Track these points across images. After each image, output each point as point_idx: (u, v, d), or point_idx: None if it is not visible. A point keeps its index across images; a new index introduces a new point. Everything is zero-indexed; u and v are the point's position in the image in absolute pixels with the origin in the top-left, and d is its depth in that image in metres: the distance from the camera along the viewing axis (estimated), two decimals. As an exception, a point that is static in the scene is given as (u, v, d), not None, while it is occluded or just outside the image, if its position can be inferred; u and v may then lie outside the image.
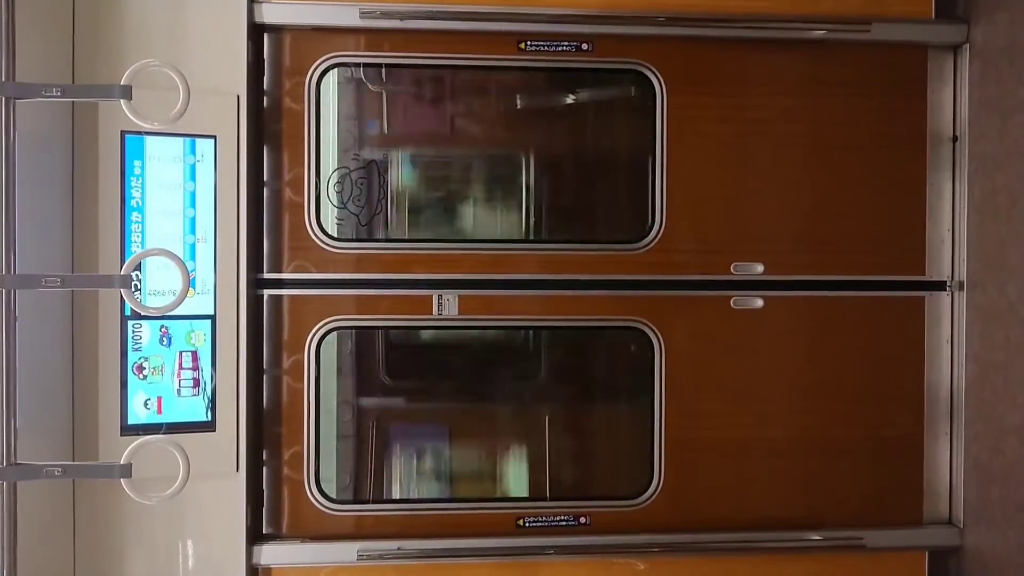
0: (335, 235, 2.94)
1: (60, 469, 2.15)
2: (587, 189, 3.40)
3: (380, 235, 3.20)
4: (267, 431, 2.90)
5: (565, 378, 3.46)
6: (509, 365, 3.45)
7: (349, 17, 2.80)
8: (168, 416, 2.68)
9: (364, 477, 3.26)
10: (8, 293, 2.14)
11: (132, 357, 2.63)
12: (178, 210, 2.71)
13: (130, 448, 2.17)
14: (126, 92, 2.14)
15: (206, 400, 2.73)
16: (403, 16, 2.81)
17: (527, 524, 2.93)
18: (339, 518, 2.91)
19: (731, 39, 2.95)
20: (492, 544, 2.86)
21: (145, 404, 2.66)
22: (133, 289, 2.25)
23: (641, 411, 3.01)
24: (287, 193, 2.90)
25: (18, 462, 2.15)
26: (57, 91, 2.13)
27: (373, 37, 2.91)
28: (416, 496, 3.38)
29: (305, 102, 2.88)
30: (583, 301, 2.97)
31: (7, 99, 2.12)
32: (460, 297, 2.92)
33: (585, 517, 2.95)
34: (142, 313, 2.51)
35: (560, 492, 3.33)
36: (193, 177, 2.72)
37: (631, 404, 3.26)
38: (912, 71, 3.03)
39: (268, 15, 2.79)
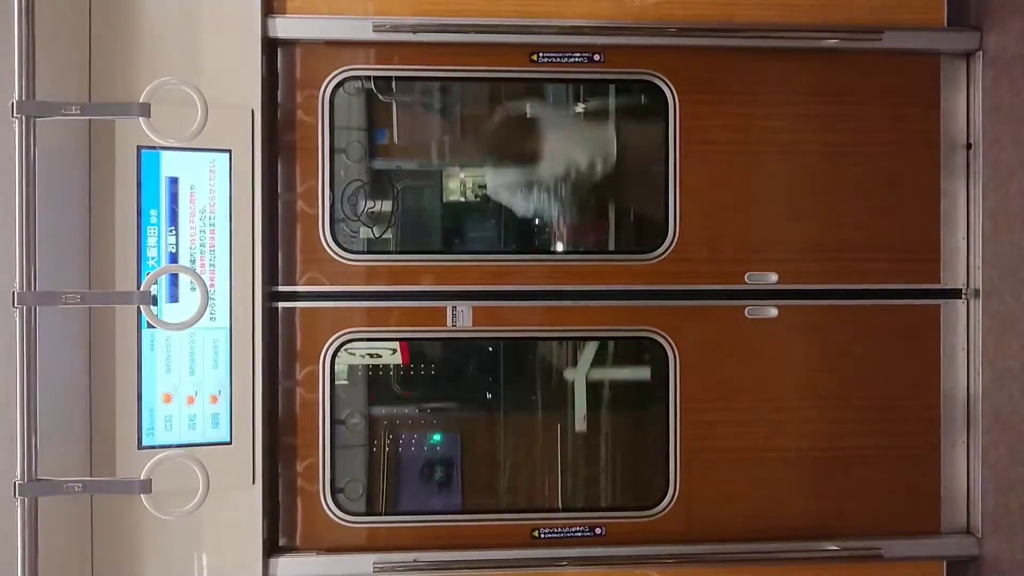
0: (348, 247, 2.95)
1: (80, 485, 2.15)
2: (601, 199, 3.41)
3: (393, 247, 3.21)
4: (281, 443, 2.91)
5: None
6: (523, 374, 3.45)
7: (362, 31, 2.82)
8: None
9: (378, 489, 3.27)
10: (28, 310, 2.15)
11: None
12: (194, 224, 2.72)
13: (150, 463, 2.18)
14: (145, 110, 2.15)
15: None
16: (415, 29, 2.82)
17: (542, 535, 2.93)
18: (354, 530, 2.92)
19: (743, 48, 2.95)
20: (507, 556, 2.85)
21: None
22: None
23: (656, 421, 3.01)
24: (300, 205, 2.91)
25: (38, 478, 2.16)
26: (76, 109, 2.14)
27: (386, 50, 2.92)
28: (430, 508, 3.38)
29: (319, 115, 2.89)
30: (597, 312, 2.97)
31: (27, 118, 2.14)
32: (474, 308, 2.93)
33: (600, 528, 2.95)
34: (161, 329, 2.52)
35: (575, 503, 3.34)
36: (208, 191, 2.74)
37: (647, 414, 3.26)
38: (925, 79, 3.02)
39: (282, 30, 2.81)
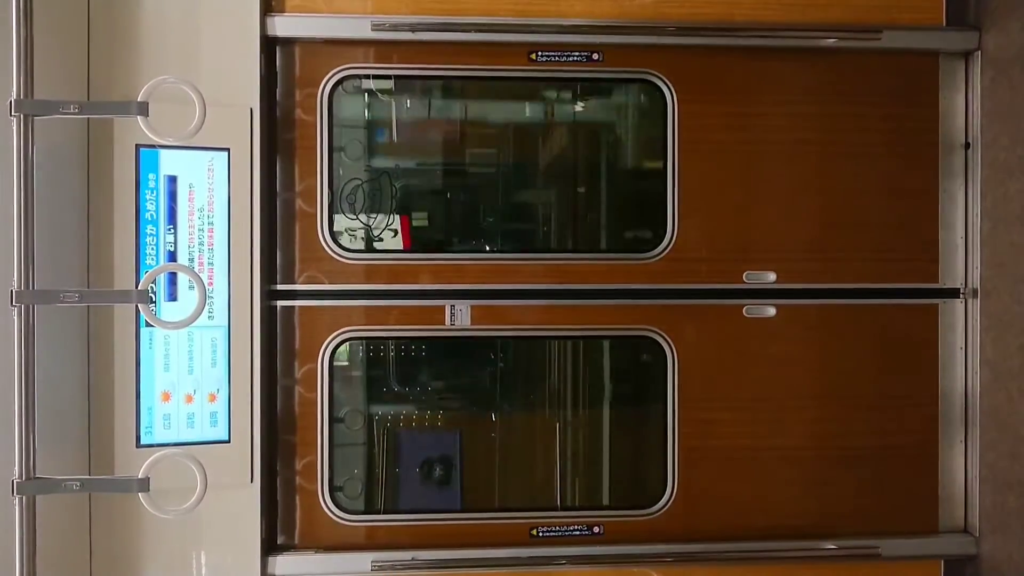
0: (346, 246, 2.95)
1: (78, 483, 2.16)
2: (599, 198, 3.41)
3: (391, 246, 3.21)
4: (280, 441, 2.91)
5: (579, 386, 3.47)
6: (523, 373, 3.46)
7: (361, 29, 2.82)
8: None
9: (376, 487, 3.27)
10: (26, 308, 2.16)
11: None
12: (193, 222, 2.72)
13: (148, 462, 2.18)
14: (143, 109, 2.16)
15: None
16: (414, 28, 2.82)
17: (540, 534, 2.93)
18: (353, 528, 2.92)
19: (741, 48, 2.95)
20: (505, 554, 2.86)
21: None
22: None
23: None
24: (299, 204, 2.91)
25: (36, 476, 2.16)
26: (75, 108, 2.15)
27: (384, 49, 2.92)
28: (429, 506, 3.38)
29: (317, 114, 2.89)
30: (595, 310, 2.97)
31: (26, 116, 2.14)
32: (472, 307, 2.93)
33: (598, 526, 2.95)
34: (160, 327, 2.52)
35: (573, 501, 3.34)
36: (207, 190, 2.74)
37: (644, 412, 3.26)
38: (924, 78, 3.02)
39: (281, 28, 2.81)
